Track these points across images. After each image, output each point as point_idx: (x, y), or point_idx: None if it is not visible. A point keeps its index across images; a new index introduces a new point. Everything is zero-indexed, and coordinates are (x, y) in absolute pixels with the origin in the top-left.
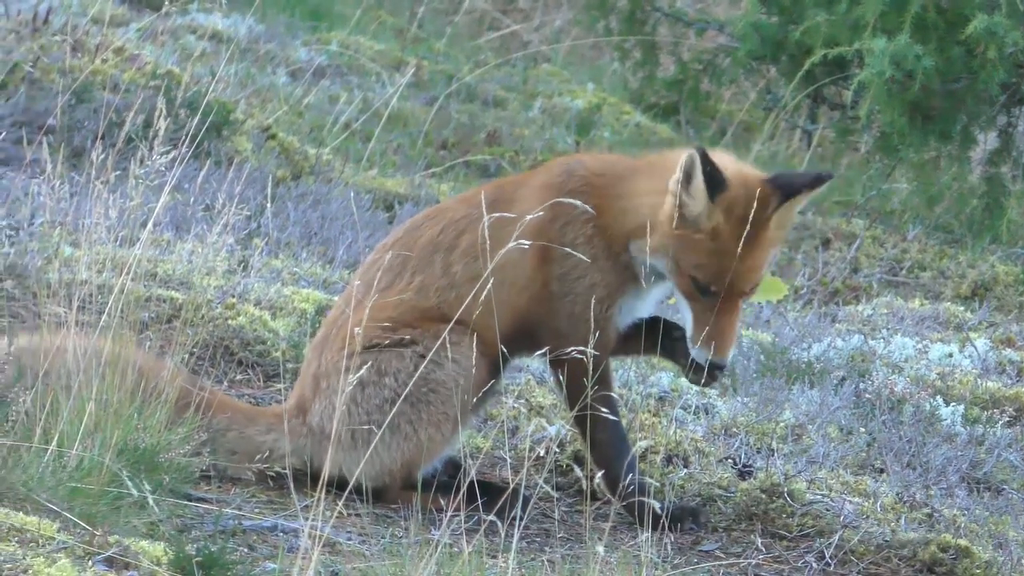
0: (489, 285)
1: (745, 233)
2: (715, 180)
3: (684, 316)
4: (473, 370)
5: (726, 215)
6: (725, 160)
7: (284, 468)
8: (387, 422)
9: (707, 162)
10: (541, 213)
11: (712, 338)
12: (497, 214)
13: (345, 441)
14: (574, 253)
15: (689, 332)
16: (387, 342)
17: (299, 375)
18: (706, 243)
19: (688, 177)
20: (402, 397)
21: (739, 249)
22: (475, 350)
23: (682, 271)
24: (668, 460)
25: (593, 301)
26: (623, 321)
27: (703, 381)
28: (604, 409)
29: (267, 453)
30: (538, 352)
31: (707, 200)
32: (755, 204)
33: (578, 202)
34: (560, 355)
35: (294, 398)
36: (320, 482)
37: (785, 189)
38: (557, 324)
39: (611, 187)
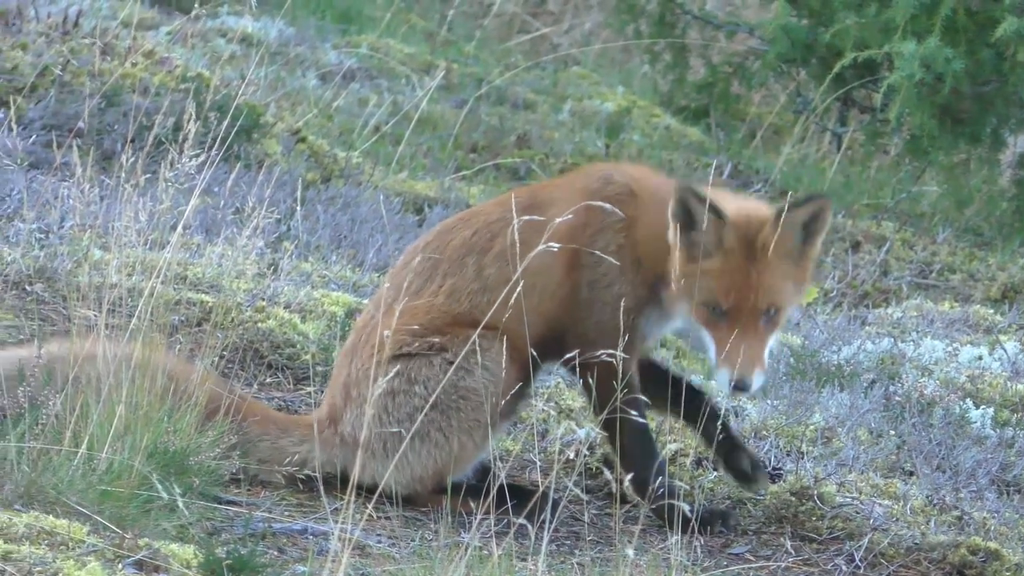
0: (519, 288)
1: (752, 252)
2: (713, 208)
3: (707, 349)
4: (503, 376)
5: (732, 238)
6: (724, 195)
7: (314, 472)
8: (418, 430)
9: (695, 192)
10: (571, 217)
11: (733, 358)
12: (530, 217)
13: (377, 450)
14: (604, 258)
15: (712, 360)
16: (416, 347)
17: (329, 382)
18: (713, 265)
19: (685, 212)
20: (429, 405)
21: (747, 266)
22: (505, 355)
23: (695, 303)
24: (698, 463)
25: (621, 309)
26: (651, 331)
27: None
28: (633, 412)
29: (301, 464)
30: (567, 356)
31: (714, 220)
32: (760, 227)
33: (610, 207)
34: (588, 359)
35: (325, 407)
36: (350, 485)
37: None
38: (585, 330)
39: (653, 205)
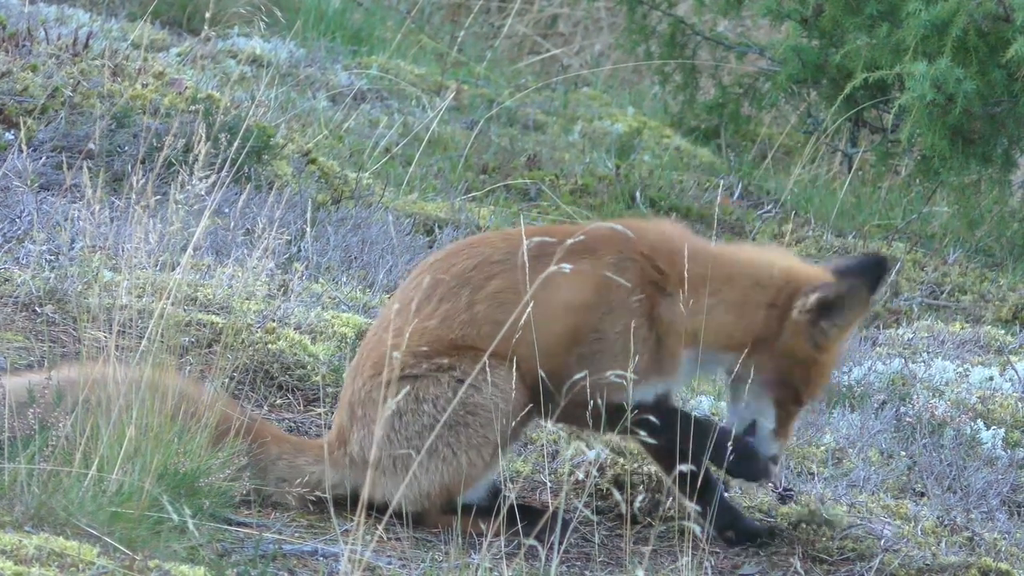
0: (522, 321)
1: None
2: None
3: (765, 416)
4: (513, 393)
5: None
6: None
7: (325, 493)
8: (426, 447)
9: (869, 286)
10: (582, 293)
11: (784, 439)
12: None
13: (387, 468)
14: (607, 336)
15: (765, 429)
16: (423, 369)
17: (339, 402)
18: (827, 359)
19: (830, 307)
20: (440, 423)
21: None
22: (514, 373)
23: (786, 385)
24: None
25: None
26: (637, 397)
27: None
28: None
29: (316, 484)
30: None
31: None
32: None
33: (627, 284)
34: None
35: (335, 427)
36: (359, 506)
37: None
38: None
39: (678, 283)
